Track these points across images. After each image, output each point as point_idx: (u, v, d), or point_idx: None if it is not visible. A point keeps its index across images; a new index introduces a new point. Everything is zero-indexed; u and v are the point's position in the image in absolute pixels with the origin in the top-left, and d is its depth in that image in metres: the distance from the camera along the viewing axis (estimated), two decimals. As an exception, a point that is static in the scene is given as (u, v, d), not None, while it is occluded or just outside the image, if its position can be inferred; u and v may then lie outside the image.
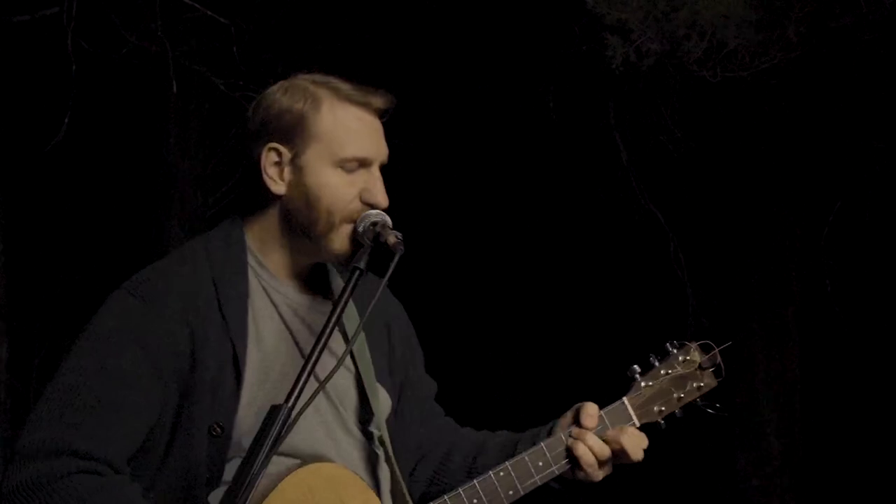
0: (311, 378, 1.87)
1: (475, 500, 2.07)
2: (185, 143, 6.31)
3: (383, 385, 2.16)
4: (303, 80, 2.09)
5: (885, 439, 7.43)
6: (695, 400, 2.24)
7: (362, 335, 2.12)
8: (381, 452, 2.11)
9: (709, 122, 6.54)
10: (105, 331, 1.96)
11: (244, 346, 1.99)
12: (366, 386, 2.10)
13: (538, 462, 2.12)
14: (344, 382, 2.09)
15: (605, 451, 2.12)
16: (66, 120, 5.62)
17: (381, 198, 2.05)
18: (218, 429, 1.94)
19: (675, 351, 2.23)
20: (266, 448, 1.76)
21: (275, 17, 6.40)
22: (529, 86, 6.69)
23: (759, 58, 5.31)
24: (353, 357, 2.11)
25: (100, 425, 1.88)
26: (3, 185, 5.99)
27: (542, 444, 2.13)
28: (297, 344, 2.04)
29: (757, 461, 6.72)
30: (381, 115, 2.11)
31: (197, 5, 5.53)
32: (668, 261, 6.63)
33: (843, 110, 6.21)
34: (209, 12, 5.54)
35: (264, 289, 2.07)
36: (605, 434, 2.15)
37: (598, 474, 2.14)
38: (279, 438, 1.77)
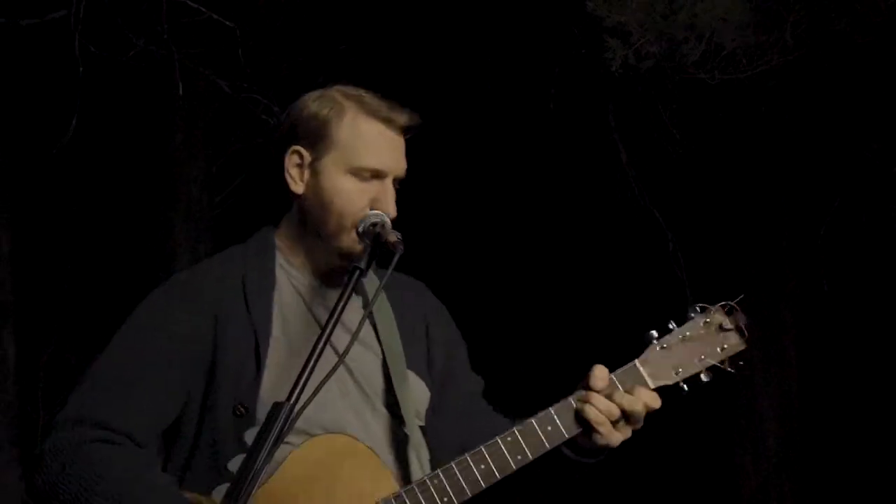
0: (338, 362, 2.00)
1: (482, 466, 2.06)
2: (190, 144, 6.34)
3: (420, 376, 2.24)
4: (336, 91, 2.22)
5: (882, 438, 7.44)
6: (722, 362, 2.17)
7: (393, 325, 2.23)
8: (412, 437, 2.16)
9: (707, 124, 6.55)
10: (136, 323, 2.15)
11: (267, 334, 2.12)
12: (391, 371, 2.18)
13: (547, 427, 2.10)
14: (371, 367, 2.19)
15: (612, 410, 2.10)
16: (74, 121, 5.66)
17: (390, 209, 2.15)
18: (241, 409, 2.06)
19: (695, 315, 2.19)
20: (269, 444, 1.81)
21: (279, 20, 6.43)
22: (530, 88, 6.73)
23: (757, 60, 5.34)
24: (380, 343, 2.21)
25: (122, 402, 2.06)
26: (12, 186, 6.04)
27: (550, 408, 2.12)
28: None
29: (755, 459, 6.73)
30: (406, 131, 2.21)
31: (202, 9, 5.55)
32: (666, 260, 6.64)
33: (839, 111, 6.21)
34: (214, 15, 5.57)
35: (294, 286, 2.20)
36: (613, 394, 2.11)
37: (613, 436, 2.11)
38: (281, 435, 1.83)
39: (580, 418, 2.10)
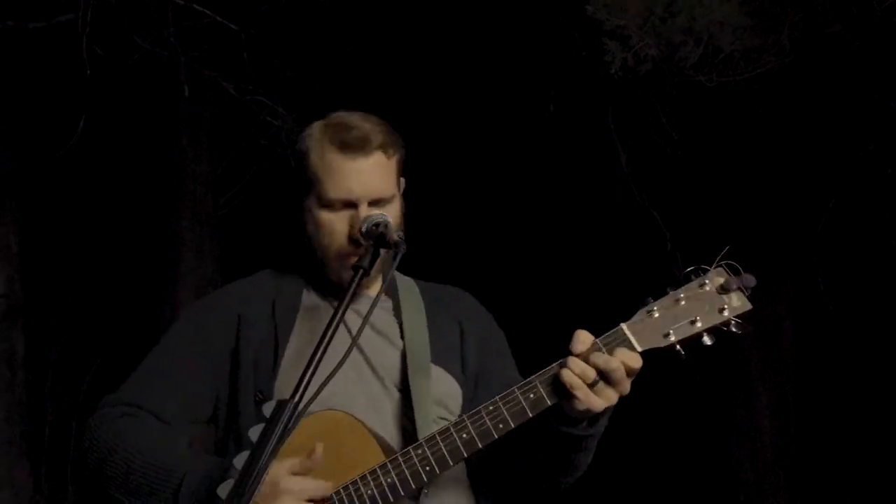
0: (358, 354, 2.19)
1: (464, 435, 2.07)
2: (196, 145, 6.35)
3: (448, 370, 2.28)
4: (321, 123, 2.28)
5: (877, 434, 7.49)
6: (727, 323, 2.04)
7: (422, 323, 2.30)
8: (420, 424, 2.17)
9: (705, 126, 6.57)
10: (174, 326, 2.37)
11: (287, 332, 2.25)
12: (409, 362, 2.24)
13: (529, 394, 2.06)
14: (390, 357, 2.26)
15: (587, 372, 2.02)
16: (81, 123, 5.67)
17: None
18: (260, 395, 2.20)
19: (694, 277, 2.08)
20: (273, 442, 1.85)
21: (283, 24, 6.45)
22: (531, 90, 6.73)
23: (754, 63, 5.33)
24: (402, 336, 2.28)
25: (153, 386, 2.26)
26: (21, 186, 6.05)
27: (534, 376, 2.07)
28: (349, 332, 2.22)
29: (752, 455, 6.77)
30: (382, 150, 2.22)
31: (208, 12, 5.57)
32: (665, 260, 6.62)
33: (835, 113, 6.23)
34: (220, 19, 5.60)
35: (323, 294, 2.32)
36: (591, 356, 2.03)
37: (592, 400, 2.02)
38: (286, 432, 1.87)
39: (558, 383, 2.04)
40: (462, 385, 2.29)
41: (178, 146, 6.37)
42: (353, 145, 2.21)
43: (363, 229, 2.16)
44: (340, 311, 2.01)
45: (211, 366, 2.27)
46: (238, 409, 2.22)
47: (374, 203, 2.22)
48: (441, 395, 2.25)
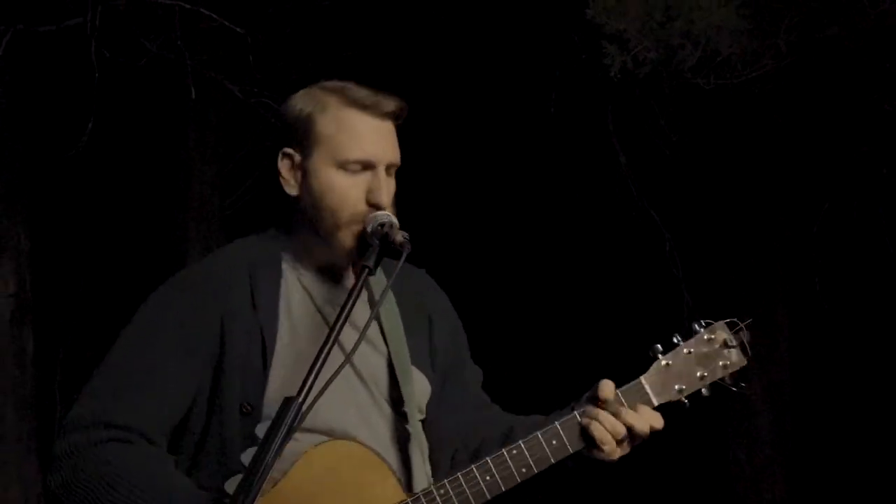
0: (345, 360, 1.98)
1: (488, 477, 2.05)
2: (202, 147, 6.41)
3: (422, 370, 2.20)
4: (318, 87, 2.16)
5: (873, 430, 7.53)
6: (722, 378, 2.15)
7: (398, 321, 2.19)
8: (414, 435, 2.14)
9: (703, 127, 6.61)
10: (145, 319, 2.11)
11: (273, 330, 2.07)
12: (396, 368, 2.15)
13: (552, 441, 2.09)
14: (376, 364, 2.16)
15: (618, 429, 2.09)
16: (90, 125, 5.67)
17: (384, 199, 2.09)
18: (248, 407, 2.03)
19: (700, 330, 2.16)
20: (279, 439, 1.82)
21: (288, 27, 6.51)
22: (531, 92, 6.76)
23: (751, 66, 5.32)
24: (385, 340, 2.18)
25: (132, 399, 2.02)
26: (31, 187, 6.07)
27: (556, 423, 2.10)
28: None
29: (749, 452, 6.82)
30: (395, 118, 2.14)
31: (214, 16, 5.58)
32: (664, 260, 6.68)
33: (830, 115, 6.25)
34: (226, 22, 5.59)
35: (302, 284, 2.15)
36: (619, 412, 2.10)
37: (616, 453, 2.11)
38: (291, 430, 1.82)
39: (585, 434, 2.10)
40: (432, 382, 2.23)
41: (185, 148, 6.41)
42: (378, 107, 2.11)
43: (368, 229, 2.06)
44: (340, 320, 1.93)
45: (193, 370, 2.06)
46: (222, 418, 2.04)
47: (390, 169, 2.13)
48: (419, 397, 2.19)
